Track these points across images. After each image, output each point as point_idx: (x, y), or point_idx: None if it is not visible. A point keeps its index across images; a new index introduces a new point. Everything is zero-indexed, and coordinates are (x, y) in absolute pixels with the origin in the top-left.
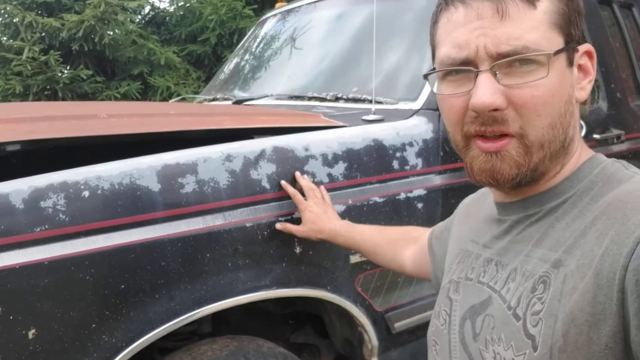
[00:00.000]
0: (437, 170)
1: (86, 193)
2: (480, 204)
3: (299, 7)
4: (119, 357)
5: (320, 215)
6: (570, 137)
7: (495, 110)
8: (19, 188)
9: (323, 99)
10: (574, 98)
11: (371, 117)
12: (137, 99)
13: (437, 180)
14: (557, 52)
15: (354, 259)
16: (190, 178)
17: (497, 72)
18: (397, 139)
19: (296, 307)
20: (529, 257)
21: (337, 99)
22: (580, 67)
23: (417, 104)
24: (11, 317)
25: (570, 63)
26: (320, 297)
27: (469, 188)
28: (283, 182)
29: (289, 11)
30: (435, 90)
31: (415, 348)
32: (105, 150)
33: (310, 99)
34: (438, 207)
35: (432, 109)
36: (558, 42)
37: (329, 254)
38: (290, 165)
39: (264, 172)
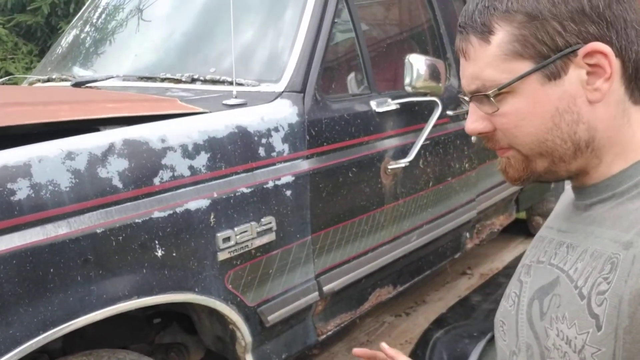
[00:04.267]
0: (304, 155)
1: None
2: (568, 192)
3: None
4: None
5: None
6: (586, 139)
7: (482, 133)
8: None
9: (178, 81)
10: (573, 105)
11: (233, 101)
12: None
13: (304, 165)
14: (506, 86)
15: (223, 255)
16: (23, 182)
17: (479, 103)
18: (262, 125)
19: (160, 307)
20: (600, 238)
21: (193, 81)
22: (593, 66)
23: (280, 86)
24: None
25: (556, 75)
26: (188, 300)
27: (336, 171)
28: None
29: None
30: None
31: (289, 337)
32: None
33: (163, 80)
34: (307, 192)
35: (296, 91)
36: (522, 68)
37: (195, 254)
38: (145, 160)
39: (114, 169)
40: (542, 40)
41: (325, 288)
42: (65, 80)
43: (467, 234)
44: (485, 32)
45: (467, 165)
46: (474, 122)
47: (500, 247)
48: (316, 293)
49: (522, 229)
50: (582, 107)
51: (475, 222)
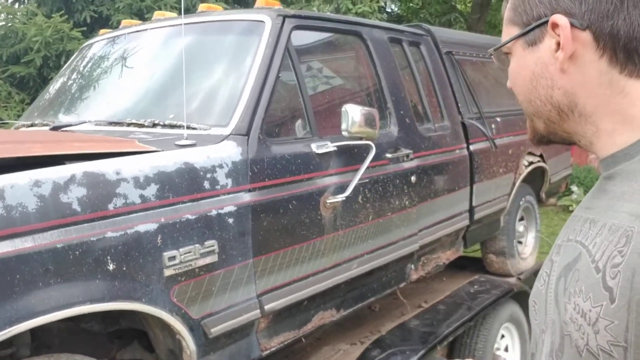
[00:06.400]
0: (246, 188)
1: None
2: None
3: (123, 34)
4: None
5: None
6: (567, 104)
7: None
8: None
9: (141, 125)
10: (546, 71)
11: (183, 142)
12: None
13: (246, 197)
14: (498, 47)
15: (168, 272)
16: None
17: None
18: (207, 162)
19: (120, 325)
20: (617, 212)
21: (154, 125)
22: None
23: (228, 130)
24: None
25: (533, 42)
26: (135, 309)
27: (277, 203)
28: None
29: (113, 38)
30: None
31: (233, 350)
32: None
33: (129, 125)
34: (248, 221)
35: (241, 134)
36: (513, 33)
37: (144, 269)
38: (101, 189)
39: (74, 195)
40: (525, 10)
41: (267, 307)
42: (46, 125)
43: (412, 266)
44: (506, 1)
45: (407, 202)
46: (508, 80)
47: (457, 282)
48: (257, 311)
49: (479, 267)
50: (554, 73)
51: (420, 255)
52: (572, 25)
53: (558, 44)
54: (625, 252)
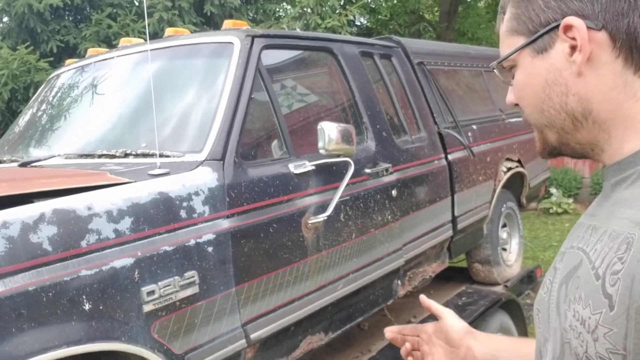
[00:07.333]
0: (224, 215)
1: None
2: None
3: (90, 64)
4: None
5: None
6: (581, 110)
7: (515, 105)
8: None
9: (113, 156)
10: (560, 77)
11: (157, 171)
12: None
13: (225, 224)
14: (502, 59)
15: (148, 307)
16: None
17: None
18: (183, 190)
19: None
20: (618, 219)
21: (126, 155)
22: (574, 40)
23: (202, 156)
24: None
25: (542, 49)
26: (115, 349)
27: (257, 227)
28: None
29: (80, 67)
30: None
31: None
32: None
33: (100, 156)
34: (229, 248)
35: (216, 159)
36: (518, 42)
37: (121, 307)
38: (72, 226)
39: (44, 235)
40: (530, 18)
41: (253, 336)
42: (15, 161)
43: (399, 282)
44: (502, 13)
45: (390, 217)
46: (508, 94)
47: (445, 295)
48: (243, 340)
49: (466, 277)
50: (569, 79)
51: (406, 270)
52: (586, 26)
53: (572, 48)
54: (625, 259)
